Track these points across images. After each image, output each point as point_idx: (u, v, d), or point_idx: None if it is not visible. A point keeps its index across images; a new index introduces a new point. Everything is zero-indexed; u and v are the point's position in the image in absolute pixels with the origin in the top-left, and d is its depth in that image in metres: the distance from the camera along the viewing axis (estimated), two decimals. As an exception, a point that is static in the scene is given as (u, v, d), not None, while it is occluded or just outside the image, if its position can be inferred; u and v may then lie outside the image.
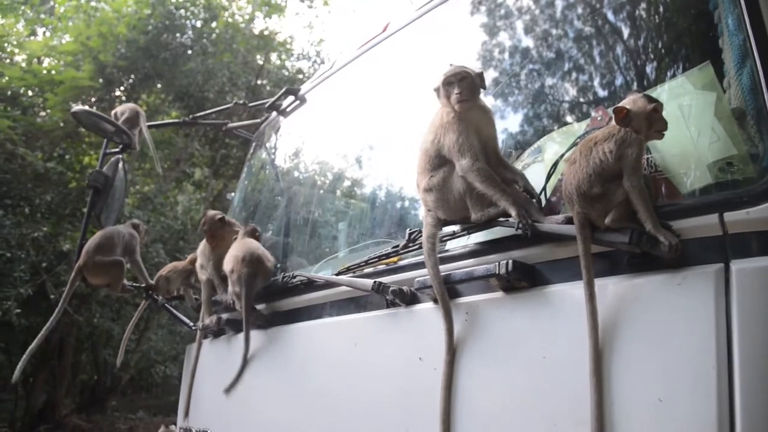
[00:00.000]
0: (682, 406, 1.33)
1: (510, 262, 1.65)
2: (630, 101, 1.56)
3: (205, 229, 3.23)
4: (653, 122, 1.51)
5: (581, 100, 1.94)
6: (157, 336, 12.50)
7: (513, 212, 1.69)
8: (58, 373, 11.20)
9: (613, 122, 1.57)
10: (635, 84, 1.78)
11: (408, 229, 2.11)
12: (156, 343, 12.45)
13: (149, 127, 4.55)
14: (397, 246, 2.15)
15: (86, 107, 3.70)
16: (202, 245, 3.34)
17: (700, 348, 1.33)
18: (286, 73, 13.36)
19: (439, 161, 1.89)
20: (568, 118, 1.94)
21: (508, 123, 2.10)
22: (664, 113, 1.54)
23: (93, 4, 11.55)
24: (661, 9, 1.82)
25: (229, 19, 12.63)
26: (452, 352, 1.80)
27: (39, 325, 9.82)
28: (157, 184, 11.63)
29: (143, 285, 3.95)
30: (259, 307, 2.88)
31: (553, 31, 2.08)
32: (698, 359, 1.32)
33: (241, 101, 4.33)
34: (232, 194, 12.17)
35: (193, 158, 12.40)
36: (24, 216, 9.58)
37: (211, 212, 3.30)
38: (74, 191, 10.08)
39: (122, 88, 11.37)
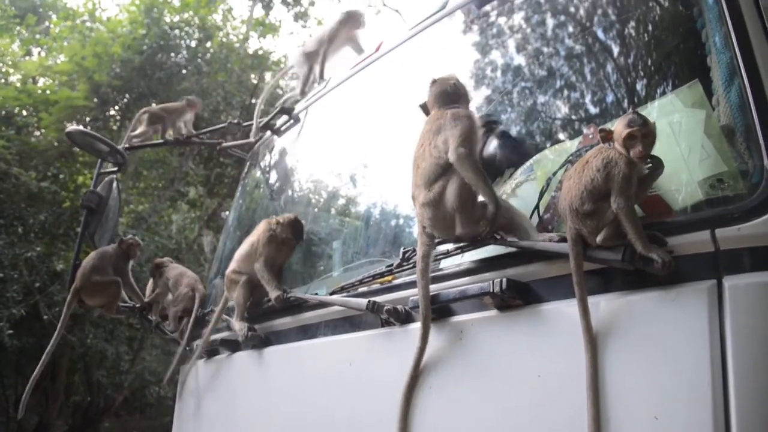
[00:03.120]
0: (678, 423, 1.33)
1: (504, 280, 1.65)
2: (617, 122, 1.57)
3: (285, 234, 2.88)
4: (629, 147, 1.51)
5: (573, 118, 1.95)
6: (151, 356, 12.40)
7: (491, 206, 1.71)
8: (50, 393, 11.07)
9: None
10: (626, 102, 1.80)
11: (402, 248, 2.11)
12: (150, 363, 12.33)
13: (143, 147, 4.56)
14: (392, 265, 2.14)
15: (81, 127, 3.70)
16: (251, 245, 2.98)
17: (695, 364, 1.33)
18: (280, 92, 13.43)
19: (437, 172, 1.85)
20: (561, 136, 1.95)
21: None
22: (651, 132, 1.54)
23: (88, 24, 11.62)
24: (650, 28, 1.85)
25: (224, 39, 12.71)
26: (416, 374, 1.83)
27: (31, 347, 9.78)
28: (152, 203, 11.62)
29: (137, 305, 3.92)
30: (256, 326, 2.87)
31: (545, 50, 2.10)
32: (693, 376, 1.33)
33: (236, 120, 4.35)
34: (227, 213, 12.16)
35: (187, 177, 12.39)
36: (17, 236, 9.54)
37: (293, 216, 2.95)
38: (68, 211, 10.05)
39: (117, 107, 11.39)
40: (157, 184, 12.34)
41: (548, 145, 1.95)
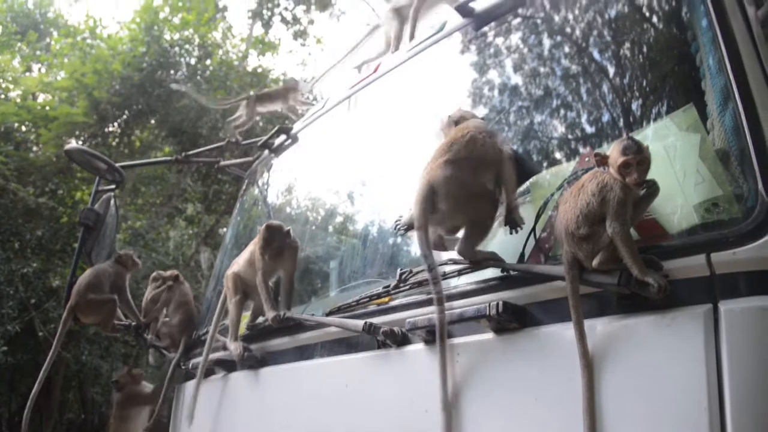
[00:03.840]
0: (675, 448, 1.32)
1: (500, 303, 1.65)
2: (612, 147, 1.58)
3: (273, 245, 2.74)
4: (625, 175, 1.52)
5: (570, 140, 1.97)
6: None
7: None
8: (44, 411, 10.96)
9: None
10: (622, 124, 1.81)
11: (399, 269, 2.10)
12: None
13: (141, 165, 4.58)
14: (389, 286, 2.14)
15: (79, 145, 3.72)
16: (252, 253, 2.91)
17: (691, 388, 1.33)
18: (279, 110, 13.48)
19: (479, 173, 1.84)
20: (557, 159, 1.96)
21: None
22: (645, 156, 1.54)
23: (89, 41, 11.69)
24: (645, 52, 1.87)
25: (223, 57, 12.79)
26: (446, 381, 1.74)
27: (26, 363, 9.71)
28: (150, 219, 11.61)
29: (133, 323, 3.90)
30: (251, 347, 2.85)
31: (541, 73, 2.12)
32: (689, 400, 1.33)
33: (234, 139, 4.37)
34: (224, 230, 12.14)
35: (185, 194, 12.40)
36: (14, 251, 9.52)
37: (275, 224, 2.83)
38: (65, 226, 10.04)
39: (116, 123, 11.43)
40: (155, 200, 12.35)
41: (545, 167, 1.96)
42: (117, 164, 3.91)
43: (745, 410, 1.29)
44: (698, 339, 1.35)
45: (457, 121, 2.02)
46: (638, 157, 1.51)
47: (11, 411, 11.41)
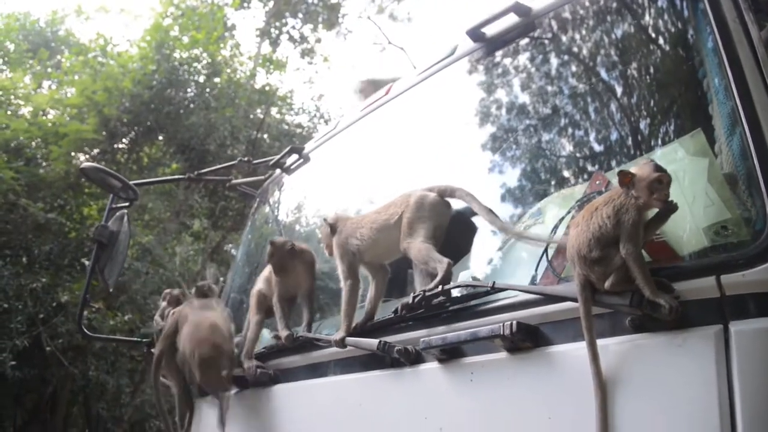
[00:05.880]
0: (687, 468, 1.34)
1: (514, 323, 1.68)
2: (637, 167, 1.61)
3: (273, 261, 2.82)
4: (654, 191, 1.54)
5: (581, 164, 2.00)
6: (152, 389, 12.26)
7: None
8: (49, 426, 10.95)
9: (613, 187, 1.63)
10: (632, 149, 1.85)
11: (412, 294, 2.08)
12: (150, 396, 12.19)
13: (154, 183, 4.63)
14: (397, 310, 2.14)
15: (95, 164, 3.77)
16: (265, 276, 3.00)
17: (703, 408, 1.36)
18: (286, 127, 13.60)
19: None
20: (567, 182, 2.00)
21: (509, 185, 2.16)
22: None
23: (100, 59, 11.83)
24: (654, 77, 1.91)
25: (232, 75, 12.91)
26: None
27: (33, 378, 9.70)
28: (157, 235, 11.65)
29: (144, 340, 3.93)
30: (265, 363, 2.88)
31: (552, 97, 2.17)
32: (701, 420, 1.35)
33: (245, 158, 4.42)
34: (231, 245, 12.19)
35: (192, 210, 12.46)
36: (23, 266, 9.56)
37: (279, 240, 2.89)
38: (74, 242, 10.08)
39: (125, 140, 11.53)
40: (163, 216, 12.41)
41: (554, 189, 2.00)
42: (131, 182, 3.95)
43: (757, 430, 1.31)
44: (709, 359, 1.37)
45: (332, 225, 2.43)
46: (668, 176, 1.55)
47: (16, 426, 11.39)
